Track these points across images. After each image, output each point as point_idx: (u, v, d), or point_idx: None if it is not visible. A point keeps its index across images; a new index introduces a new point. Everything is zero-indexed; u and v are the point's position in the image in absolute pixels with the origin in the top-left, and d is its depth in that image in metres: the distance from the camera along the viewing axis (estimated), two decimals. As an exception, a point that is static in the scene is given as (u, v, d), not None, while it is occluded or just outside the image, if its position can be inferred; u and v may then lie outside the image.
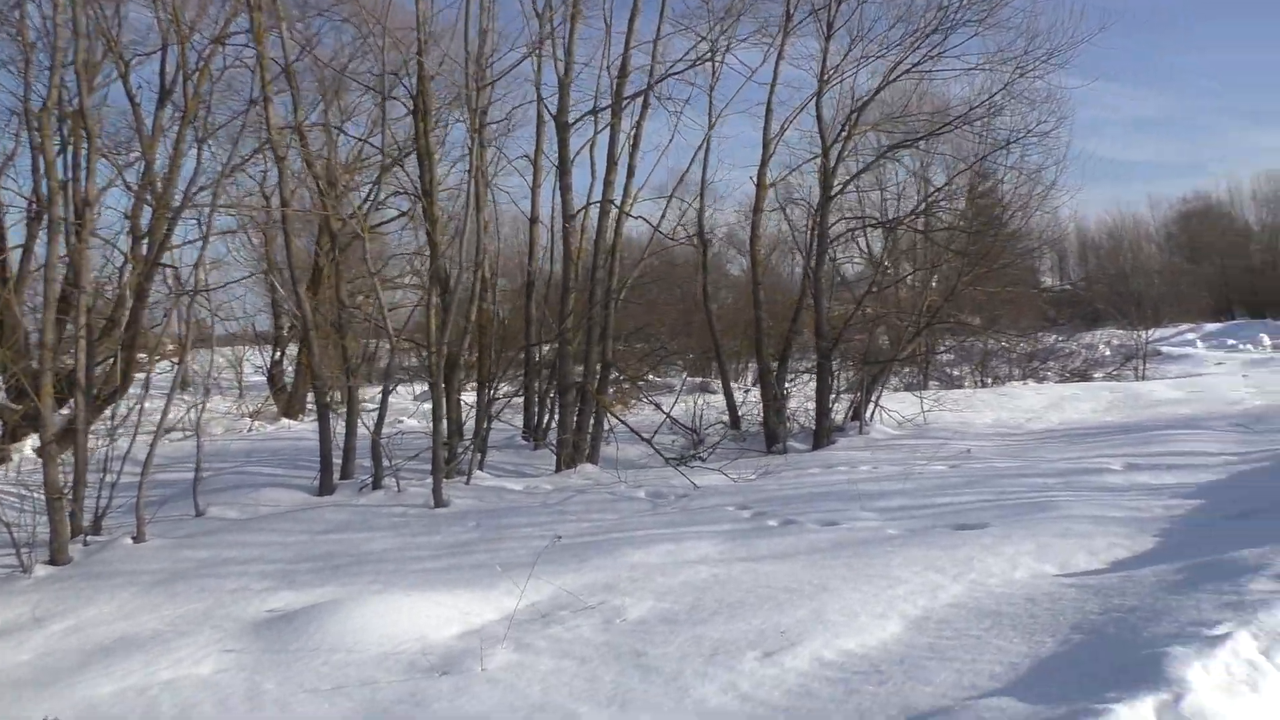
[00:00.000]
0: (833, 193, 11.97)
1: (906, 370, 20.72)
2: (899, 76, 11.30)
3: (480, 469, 12.18)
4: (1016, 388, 18.07)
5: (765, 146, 13.01)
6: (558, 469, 11.94)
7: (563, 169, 11.23)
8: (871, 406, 13.42)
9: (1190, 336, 40.19)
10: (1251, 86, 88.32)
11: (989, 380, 21.14)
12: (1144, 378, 20.72)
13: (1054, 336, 29.99)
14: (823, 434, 12.48)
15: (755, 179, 13.08)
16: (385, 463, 10.34)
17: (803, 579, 5.69)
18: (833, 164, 11.88)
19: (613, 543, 7.31)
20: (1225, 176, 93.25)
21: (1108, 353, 30.78)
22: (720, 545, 7.00)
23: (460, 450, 11.66)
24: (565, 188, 11.32)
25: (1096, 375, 21.25)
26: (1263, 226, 63.17)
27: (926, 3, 10.86)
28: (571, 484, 10.83)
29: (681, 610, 5.30)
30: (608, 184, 11.73)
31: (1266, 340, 34.30)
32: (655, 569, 6.37)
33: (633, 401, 17.98)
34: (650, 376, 21.56)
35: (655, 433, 14.35)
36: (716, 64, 13.07)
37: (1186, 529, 5.97)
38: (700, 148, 13.59)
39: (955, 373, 22.69)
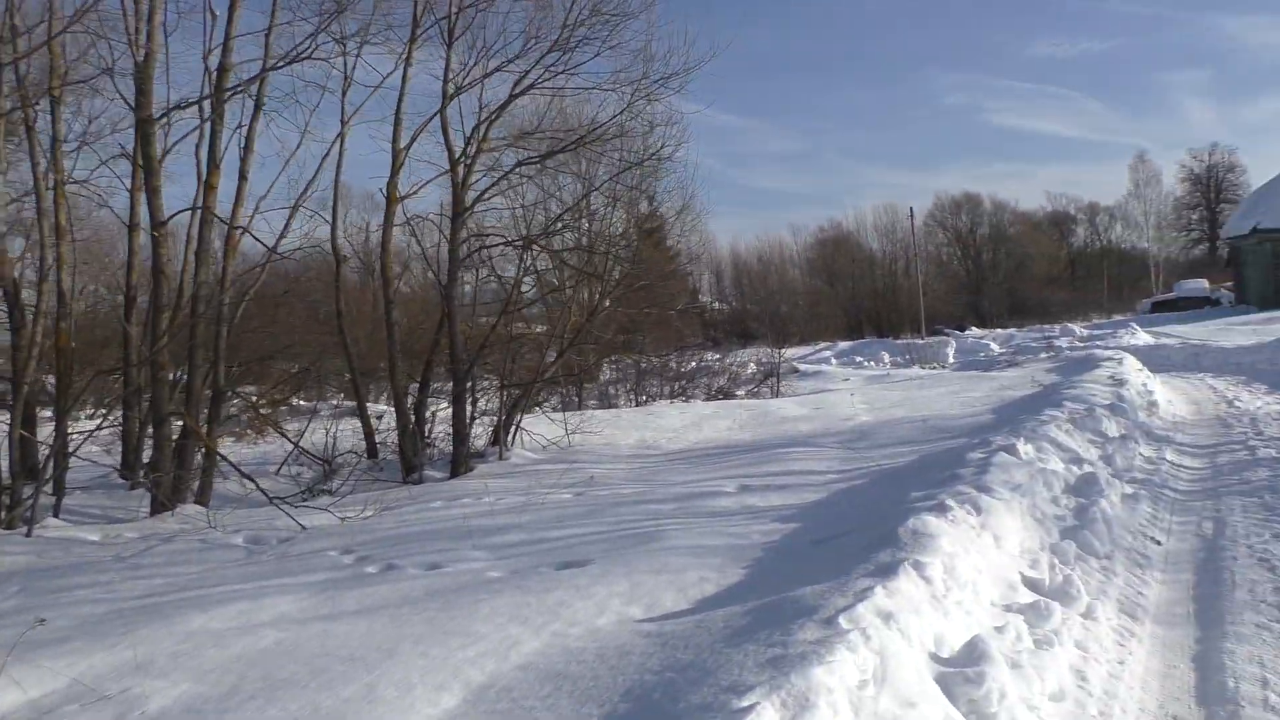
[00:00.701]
0: (463, 209, 11.45)
1: (563, 391, 20.74)
2: (522, 92, 11.05)
3: (56, 515, 10.42)
4: (663, 407, 18.55)
5: (395, 157, 12.27)
6: (153, 512, 10.47)
7: (148, 169, 9.82)
8: (513, 430, 13.04)
9: (826, 354, 44.10)
10: (869, 127, 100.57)
11: (643, 399, 21.65)
12: (779, 394, 22.10)
13: (712, 355, 31.80)
14: (460, 461, 11.90)
15: (385, 191, 12.29)
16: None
17: (376, 641, 5.03)
18: (462, 179, 11.36)
19: (178, 605, 6.25)
20: (852, 209, 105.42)
21: (754, 370, 33.05)
22: (304, 601, 6.17)
23: (25, 496, 9.87)
24: (152, 190, 9.91)
25: (739, 393, 22.41)
26: (884, 253, 71.50)
27: (553, 20, 10.69)
28: (163, 529, 9.45)
29: (215, 696, 4.43)
30: (208, 188, 10.46)
31: (887, 357, 38.24)
32: (213, 638, 5.42)
33: (266, 429, 16.47)
34: (299, 401, 19.98)
35: (282, 464, 13.11)
36: (346, 65, 12.19)
37: (774, 557, 5.97)
38: (327, 155, 12.62)
39: (613, 392, 23.12)
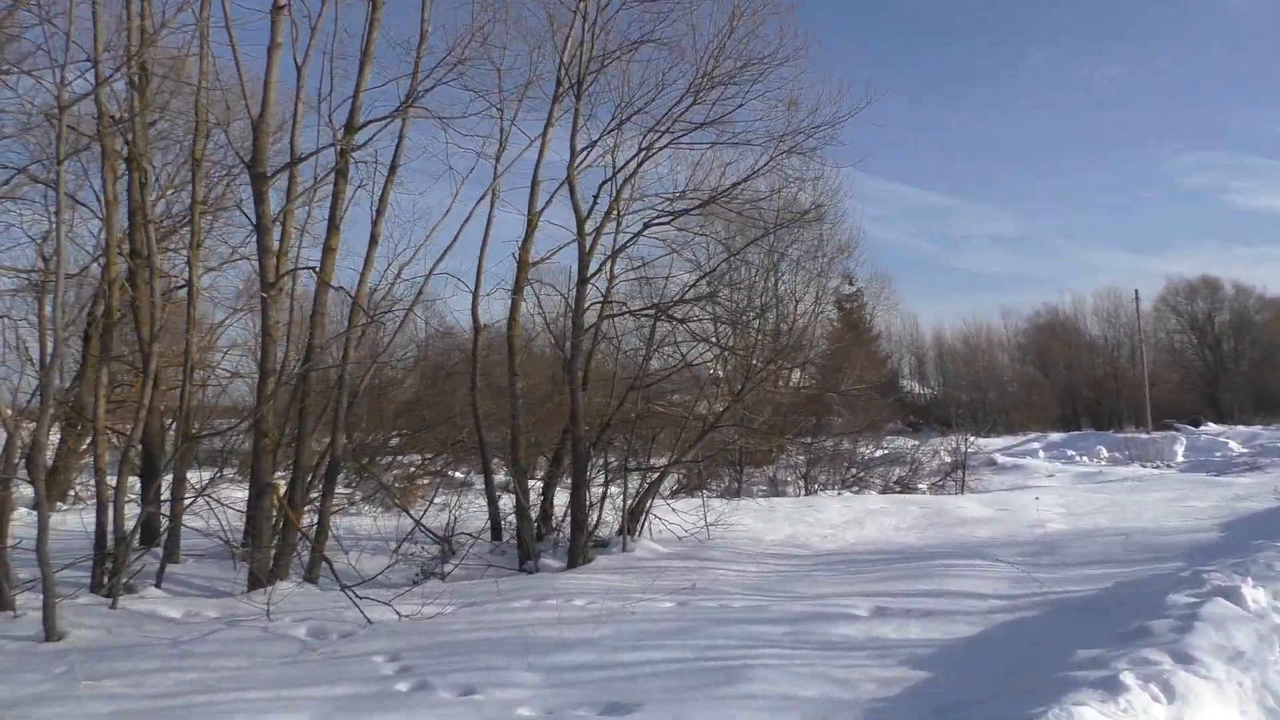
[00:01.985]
0: (589, 274, 10.49)
1: (727, 477, 19.35)
2: (649, 146, 10.00)
3: (158, 585, 10.03)
4: (827, 499, 16.77)
5: (529, 222, 11.52)
6: (250, 588, 9.89)
7: (260, 228, 9.42)
8: (643, 518, 11.79)
9: (1035, 446, 40.32)
10: (1087, 209, 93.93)
11: (814, 489, 19.91)
12: (965, 491, 19.77)
13: (907, 442, 29.48)
14: (578, 551, 10.75)
15: (517, 256, 11.54)
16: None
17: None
18: (589, 244, 10.43)
19: (185, 711, 5.44)
20: (1070, 292, 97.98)
21: (948, 459, 30.33)
22: (304, 725, 5.16)
23: (130, 558, 9.52)
24: (264, 249, 9.50)
25: (921, 486, 20.24)
26: (1105, 339, 65.74)
27: (685, 69, 9.66)
28: (243, 611, 8.77)
29: None
30: (327, 250, 10.00)
31: (1104, 452, 34.44)
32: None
33: (413, 500, 16.01)
34: (456, 473, 19.55)
35: (401, 543, 12.40)
36: (501, 128, 11.56)
37: (873, 730, 4.39)
38: (469, 218, 12.00)
39: (783, 478, 21.49)
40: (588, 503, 10.88)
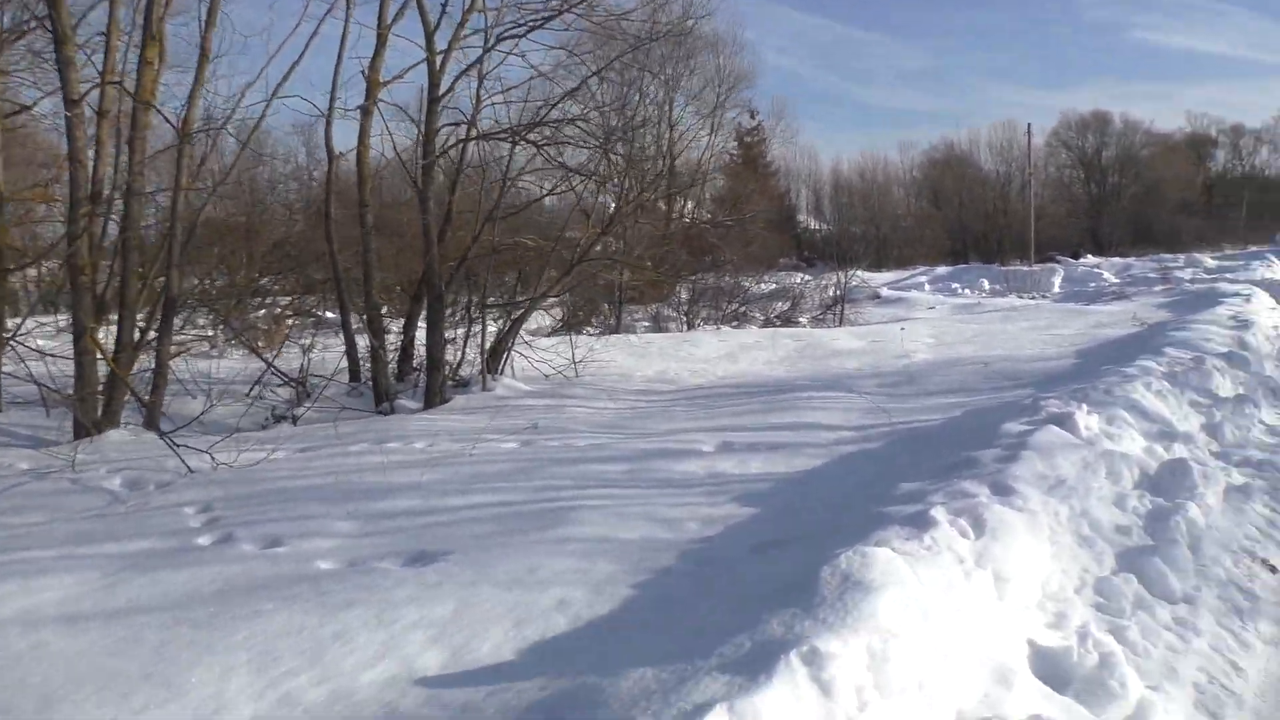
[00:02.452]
0: (440, 94, 9.60)
1: (604, 314, 18.98)
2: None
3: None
4: (706, 334, 16.59)
5: (380, 37, 10.45)
6: (75, 436, 9.21)
7: (57, 37, 8.24)
8: (505, 356, 11.36)
9: (921, 279, 41.00)
10: (996, 45, 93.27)
11: (696, 324, 19.72)
12: (844, 323, 19.87)
13: (799, 277, 29.40)
14: (434, 391, 10.31)
15: (366, 75, 10.51)
16: None
17: (72, 671, 3.50)
18: (440, 61, 9.49)
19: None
20: (966, 127, 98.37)
21: (834, 294, 30.55)
22: (88, 585, 4.69)
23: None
24: (64, 61, 8.36)
25: (801, 320, 20.25)
26: (997, 174, 66.53)
27: None
28: (58, 463, 8.13)
29: None
30: (144, 64, 8.88)
31: (986, 285, 35.11)
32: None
33: (278, 343, 15.19)
34: (327, 313, 18.68)
35: (253, 386, 11.76)
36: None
37: (680, 576, 4.13)
38: (315, 33, 10.81)
39: (669, 314, 21.25)
40: (446, 341, 10.37)
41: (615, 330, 18.08)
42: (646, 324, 21.00)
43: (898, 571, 3.00)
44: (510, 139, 9.88)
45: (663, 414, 8.88)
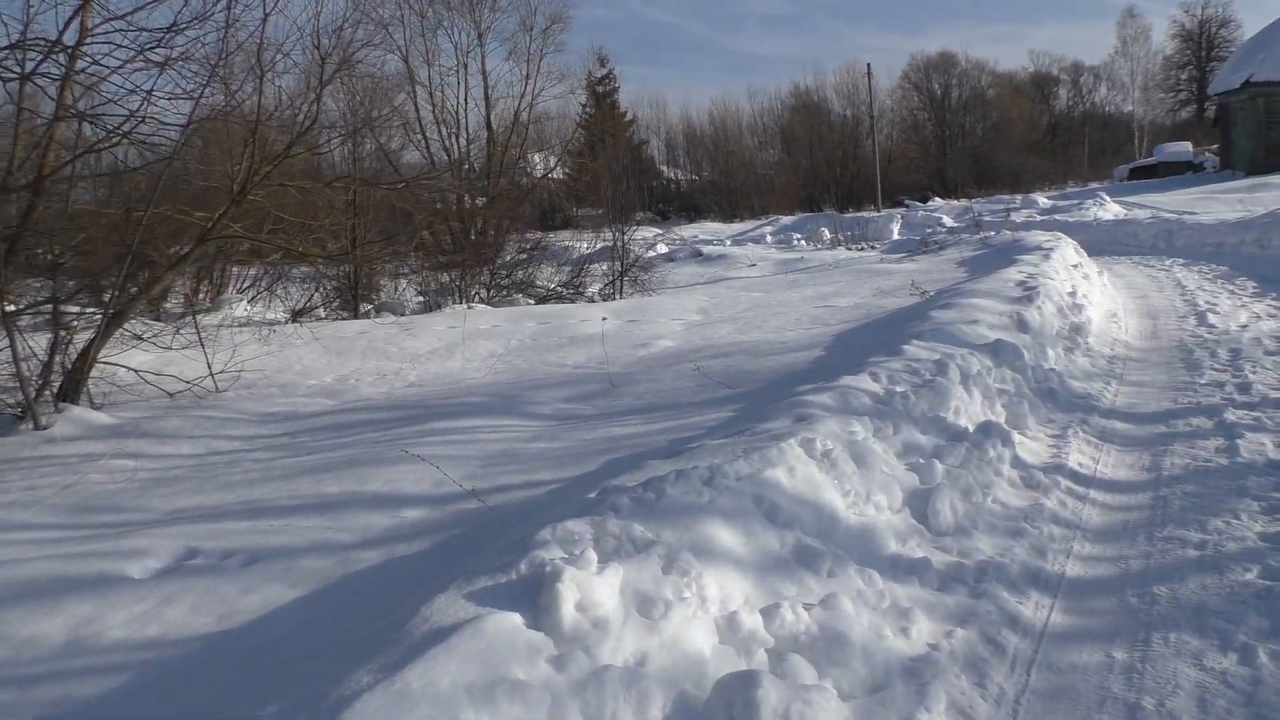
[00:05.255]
0: None
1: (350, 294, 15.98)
2: None
3: None
4: (443, 316, 13.79)
5: None
6: None
7: None
8: (86, 373, 8.33)
9: (765, 230, 39.11)
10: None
11: (469, 301, 16.87)
12: (633, 294, 17.36)
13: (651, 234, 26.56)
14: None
15: None
16: None
17: None
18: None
19: None
20: (814, 71, 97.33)
21: (664, 250, 28.09)
22: None
23: None
24: None
25: (590, 291, 17.64)
26: (846, 118, 65.11)
27: None
28: None
29: None
30: None
31: (826, 235, 33.21)
32: None
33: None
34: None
35: None
36: None
37: None
38: None
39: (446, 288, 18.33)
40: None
41: (355, 314, 15.18)
42: (423, 299, 18.12)
43: None
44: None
45: (197, 476, 6.10)
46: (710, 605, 2.75)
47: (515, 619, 2.42)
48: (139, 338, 9.73)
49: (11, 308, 8.12)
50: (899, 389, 5.07)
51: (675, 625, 2.58)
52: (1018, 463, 4.85)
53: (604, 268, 18.26)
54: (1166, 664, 3.12)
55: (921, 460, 4.38)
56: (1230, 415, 5.92)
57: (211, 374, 9.19)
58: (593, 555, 2.64)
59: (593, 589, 2.50)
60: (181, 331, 9.98)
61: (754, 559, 3.09)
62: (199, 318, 14.32)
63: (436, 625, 2.40)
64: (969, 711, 2.82)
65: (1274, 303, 10.07)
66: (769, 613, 2.82)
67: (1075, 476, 4.95)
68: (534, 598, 2.51)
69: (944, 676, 2.91)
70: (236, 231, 9.35)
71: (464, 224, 17.54)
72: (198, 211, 9.35)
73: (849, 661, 2.78)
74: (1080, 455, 5.31)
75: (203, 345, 9.42)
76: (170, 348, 9.76)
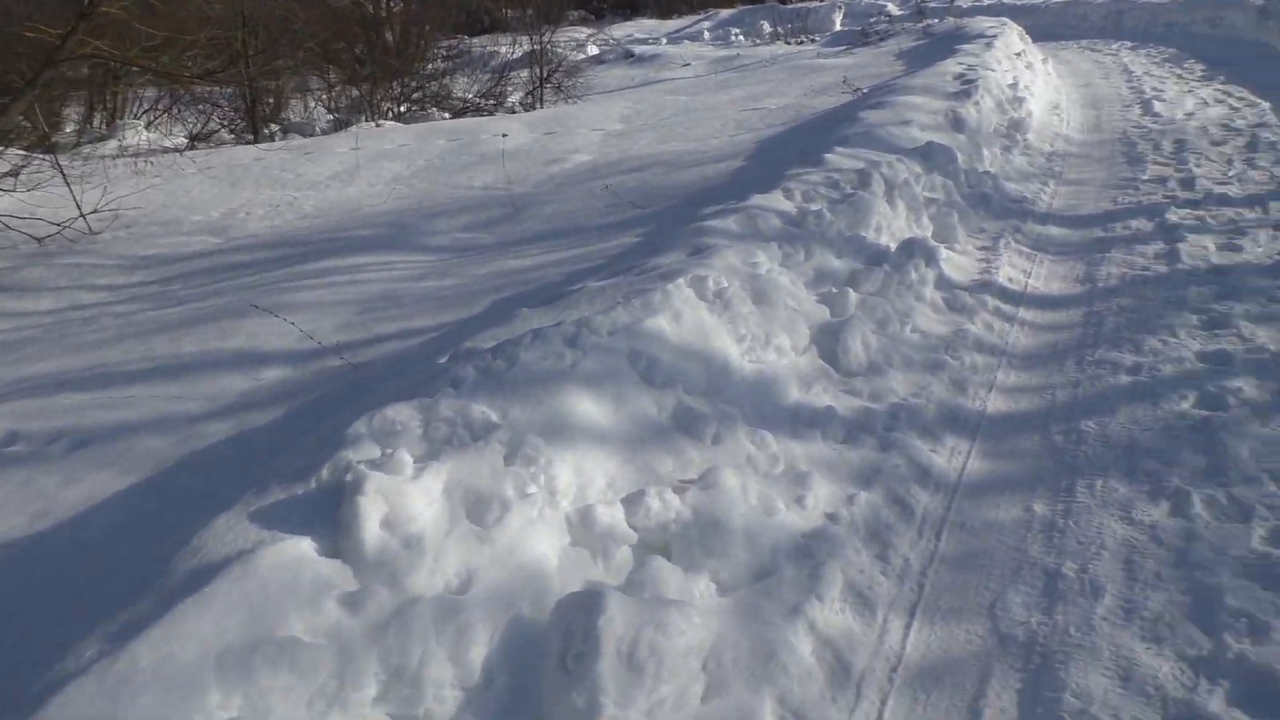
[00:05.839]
0: None
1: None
2: None
3: None
4: (343, 137, 12.75)
5: None
6: None
7: None
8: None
9: (703, 26, 37.10)
10: None
11: (377, 119, 15.70)
12: (553, 101, 16.29)
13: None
14: None
15: None
16: None
17: None
18: None
19: None
20: None
21: (594, 51, 26.46)
22: None
23: None
24: None
25: (511, 101, 16.51)
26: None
27: None
28: None
29: None
30: None
31: (766, 28, 31.51)
32: None
33: None
34: None
35: None
36: None
37: None
38: None
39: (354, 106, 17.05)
40: None
41: (257, 138, 14.05)
42: (332, 119, 16.88)
43: None
44: None
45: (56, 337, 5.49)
46: (561, 499, 2.33)
47: (305, 545, 1.97)
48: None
49: None
50: (814, 207, 4.54)
51: (513, 531, 2.16)
52: (942, 283, 4.41)
53: (527, 75, 17.06)
54: (1091, 518, 2.79)
55: (834, 290, 3.91)
56: (1172, 215, 5.52)
57: (82, 214, 8.35)
58: (406, 456, 2.18)
59: (405, 498, 2.05)
60: (62, 164, 9.06)
61: (623, 432, 2.66)
62: (88, 148, 13.21)
63: (205, 561, 1.95)
64: (867, 593, 2.48)
65: (1221, 86, 9.55)
66: (632, 501, 2.41)
67: (1004, 294, 4.55)
68: (334, 514, 2.06)
69: (841, 553, 2.55)
70: (98, 49, 8.29)
71: (376, 31, 16.12)
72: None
73: (728, 550, 2.40)
74: (1011, 269, 4.89)
75: (66, 180, 8.53)
76: (37, 188, 8.87)
